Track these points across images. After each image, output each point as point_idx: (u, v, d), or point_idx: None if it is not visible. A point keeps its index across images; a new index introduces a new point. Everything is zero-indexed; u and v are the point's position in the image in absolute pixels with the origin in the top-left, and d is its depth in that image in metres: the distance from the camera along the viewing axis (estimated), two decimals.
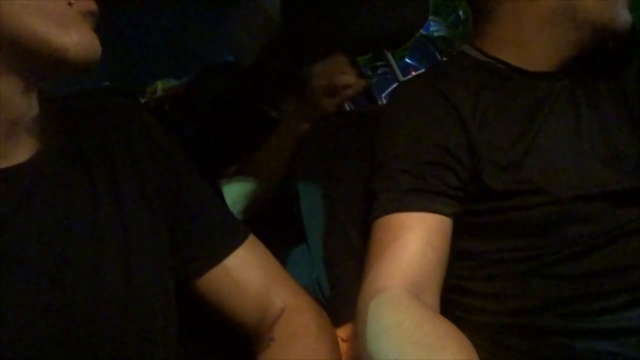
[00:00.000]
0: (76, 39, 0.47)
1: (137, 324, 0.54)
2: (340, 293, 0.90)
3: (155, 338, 0.56)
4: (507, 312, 0.72)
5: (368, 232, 0.72)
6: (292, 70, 1.31)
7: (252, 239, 0.67)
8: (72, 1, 0.47)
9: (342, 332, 0.71)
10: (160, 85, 2.19)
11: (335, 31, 1.17)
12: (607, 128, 0.75)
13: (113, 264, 0.54)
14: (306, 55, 1.23)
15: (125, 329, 0.53)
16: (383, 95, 3.00)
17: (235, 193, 1.15)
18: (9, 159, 0.51)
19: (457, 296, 0.75)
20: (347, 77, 1.10)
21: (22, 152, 0.52)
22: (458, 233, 0.72)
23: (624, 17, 0.74)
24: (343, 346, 0.69)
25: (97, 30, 0.50)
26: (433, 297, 0.67)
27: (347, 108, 1.36)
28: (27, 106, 0.51)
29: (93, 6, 0.49)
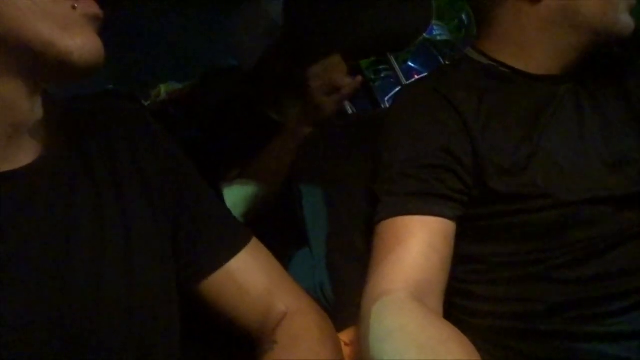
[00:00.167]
0: (80, 43, 0.47)
1: (139, 327, 0.54)
2: (342, 296, 0.90)
3: (157, 340, 0.56)
4: (510, 316, 0.72)
5: (371, 236, 0.72)
6: (295, 73, 1.31)
7: (254, 242, 0.67)
8: (76, 5, 0.47)
9: (345, 336, 0.71)
10: (163, 89, 2.19)
11: (338, 35, 1.18)
12: (611, 132, 0.75)
13: (115, 267, 0.54)
14: (309, 59, 1.23)
15: (127, 331, 0.53)
16: (386, 98, 3.00)
17: (237, 196, 1.15)
18: (12, 161, 0.51)
19: (460, 299, 0.75)
20: (343, 76, 1.11)
21: (26, 154, 0.52)
22: (461, 236, 0.72)
23: (626, 21, 0.74)
24: (346, 350, 0.68)
25: (101, 33, 0.50)
26: (436, 301, 0.66)
27: (350, 111, 1.36)
28: (31, 109, 0.51)
29: (97, 10, 0.50)
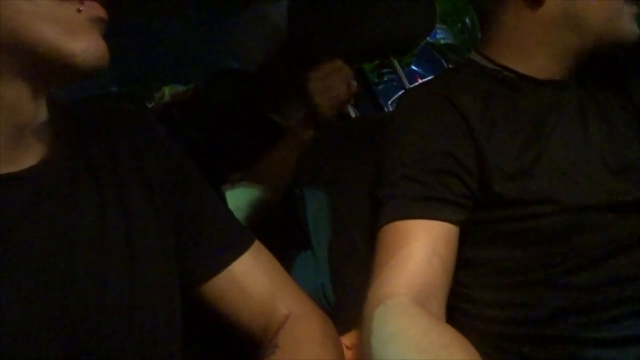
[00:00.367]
0: (84, 45, 0.47)
1: (141, 329, 0.54)
2: (345, 300, 0.90)
3: (159, 342, 0.56)
4: (514, 321, 0.72)
5: (374, 240, 0.72)
6: (298, 76, 1.32)
7: (257, 245, 0.67)
8: (81, 8, 0.48)
9: (347, 340, 0.71)
10: (167, 91, 2.20)
11: (342, 38, 1.18)
12: (616, 138, 0.75)
13: (117, 268, 0.54)
14: (312, 63, 1.24)
15: (129, 333, 0.53)
16: (389, 102, 3.01)
17: (240, 199, 1.15)
18: (17, 163, 0.51)
19: (463, 304, 0.75)
20: (342, 81, 1.11)
21: (30, 157, 0.52)
22: (465, 241, 0.72)
23: (630, 28, 0.74)
24: (348, 353, 0.68)
25: (106, 36, 0.51)
26: (439, 305, 0.66)
27: (353, 115, 1.36)
28: (35, 111, 0.51)
29: (102, 13, 0.50)
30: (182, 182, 0.63)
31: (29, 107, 0.50)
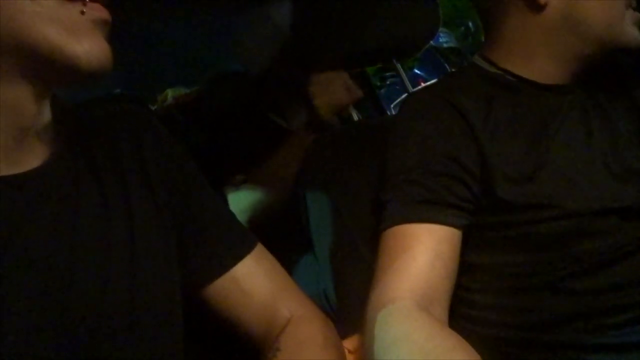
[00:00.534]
0: (88, 48, 0.47)
1: (143, 331, 0.54)
2: (347, 304, 0.89)
3: (161, 346, 0.56)
4: (517, 326, 0.72)
5: (376, 243, 0.72)
6: (301, 80, 1.32)
7: (259, 248, 0.67)
8: (84, 10, 0.48)
9: (349, 344, 0.71)
10: (170, 93, 2.20)
11: (345, 42, 1.18)
12: (619, 142, 0.75)
13: (120, 270, 0.54)
14: (315, 66, 1.24)
15: (131, 335, 0.53)
16: (392, 105, 3.01)
17: (242, 201, 1.15)
18: (20, 165, 0.51)
19: (466, 308, 0.75)
20: (339, 83, 1.13)
21: (33, 158, 0.52)
22: (468, 245, 0.71)
23: (632, 33, 0.74)
24: (350, 357, 0.68)
25: (109, 38, 0.51)
26: (442, 310, 0.66)
27: (356, 118, 1.36)
28: (38, 113, 0.51)
29: (106, 15, 0.50)
30: (184, 184, 0.63)
31: (32, 108, 0.50)
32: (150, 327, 0.55)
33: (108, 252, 0.54)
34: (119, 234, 0.55)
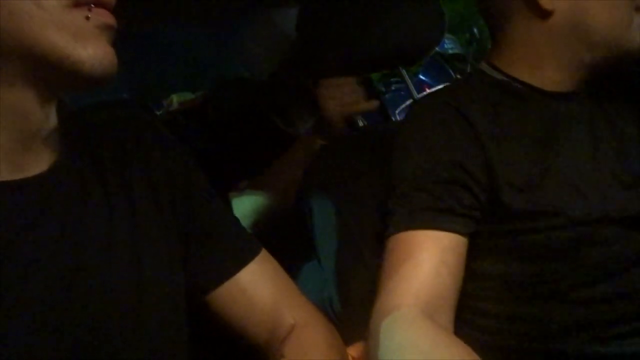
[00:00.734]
0: (92, 53, 0.47)
1: (148, 337, 0.54)
2: (351, 310, 0.89)
3: (165, 350, 0.56)
4: (522, 335, 0.71)
5: (381, 250, 0.71)
6: (306, 86, 1.32)
7: (264, 254, 0.66)
8: (89, 15, 0.48)
9: (353, 351, 0.71)
10: (175, 98, 2.21)
11: (350, 47, 1.18)
12: (626, 150, 0.74)
13: (124, 276, 0.54)
14: (320, 71, 1.24)
15: (136, 340, 0.53)
16: (397, 111, 3.00)
17: (246, 207, 1.15)
18: (25, 170, 0.51)
19: (471, 316, 0.74)
20: (349, 89, 1.12)
21: (39, 163, 0.52)
22: (473, 253, 0.71)
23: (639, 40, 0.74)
24: None
25: (115, 44, 0.51)
26: (447, 317, 0.66)
27: (361, 124, 1.36)
28: (44, 118, 0.51)
29: (111, 20, 0.50)
30: (188, 190, 0.63)
31: (37, 113, 0.50)
32: (154, 332, 0.55)
33: (113, 257, 0.54)
34: (123, 239, 0.55)
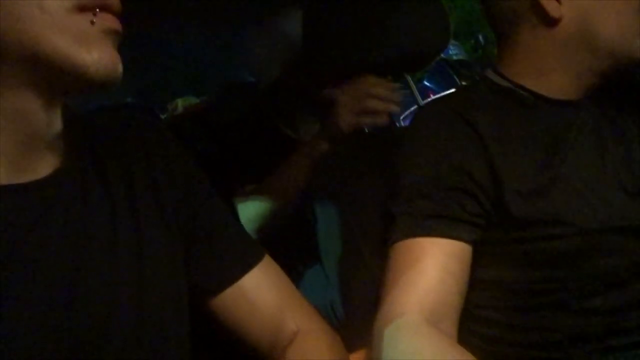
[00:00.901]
0: (96, 57, 0.47)
1: (149, 340, 0.54)
2: (354, 317, 0.89)
3: (167, 354, 0.56)
4: (527, 345, 0.71)
5: (385, 256, 0.71)
6: (312, 91, 1.32)
7: (267, 260, 0.66)
8: (94, 19, 0.48)
9: (356, 357, 0.70)
10: (180, 103, 2.21)
11: (355, 53, 1.18)
12: (633, 160, 0.74)
13: (127, 281, 0.54)
14: (326, 77, 1.24)
15: (138, 344, 0.53)
16: (401, 117, 3.00)
17: (251, 211, 1.15)
18: (29, 173, 0.51)
19: (475, 325, 0.74)
20: (377, 103, 1.07)
21: (43, 167, 0.52)
22: (478, 261, 0.71)
23: None
24: None
25: (120, 48, 0.51)
26: (451, 325, 0.65)
27: (366, 130, 1.36)
28: (48, 122, 0.51)
29: (115, 25, 0.50)
30: (192, 195, 0.63)
31: (42, 117, 0.50)
32: (157, 337, 0.55)
33: (115, 261, 0.54)
34: (127, 244, 0.55)
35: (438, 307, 0.64)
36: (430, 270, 0.66)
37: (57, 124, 0.53)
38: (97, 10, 0.48)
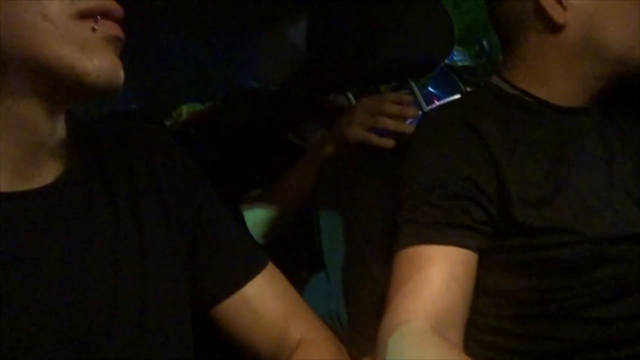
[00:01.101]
0: (98, 64, 0.47)
1: (152, 349, 0.54)
2: (358, 325, 0.88)
3: None
4: (533, 354, 0.70)
5: (390, 264, 0.71)
6: (316, 98, 1.32)
7: (270, 267, 0.66)
8: (96, 27, 0.48)
9: None
10: (185, 109, 2.21)
11: (359, 59, 1.18)
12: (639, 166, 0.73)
13: (130, 288, 0.54)
14: (330, 83, 1.24)
15: (140, 353, 0.53)
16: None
17: (257, 217, 1.15)
18: (32, 181, 0.51)
19: (480, 333, 0.73)
20: (388, 122, 1.05)
21: (46, 174, 0.52)
22: (484, 269, 0.70)
23: None
24: None
25: (125, 55, 0.51)
26: (457, 334, 0.65)
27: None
28: (51, 129, 0.51)
29: (118, 32, 0.50)
30: (196, 202, 0.62)
31: (45, 125, 0.50)
32: (159, 345, 0.55)
33: (118, 268, 0.54)
34: (129, 251, 0.55)
35: (443, 315, 0.63)
36: (436, 277, 0.65)
37: (61, 132, 0.53)
38: (99, 17, 0.48)
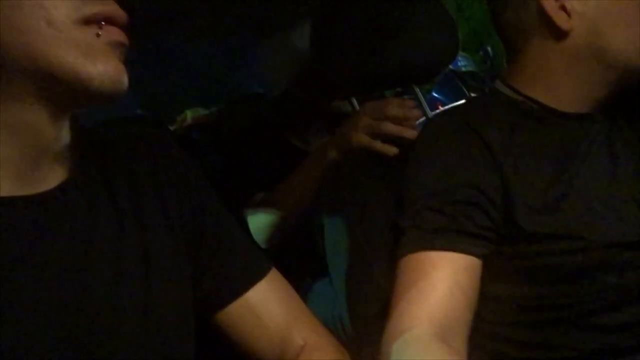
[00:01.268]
0: (102, 70, 0.47)
1: (155, 355, 0.54)
2: (362, 331, 0.88)
3: None
4: None
5: (394, 270, 0.70)
6: (320, 103, 1.32)
7: (274, 273, 0.66)
8: (100, 32, 0.48)
9: None
10: (189, 114, 2.22)
11: (364, 65, 1.18)
12: None
13: (133, 293, 0.54)
14: (334, 89, 1.24)
15: (143, 357, 0.53)
16: None
17: (261, 222, 1.15)
18: (36, 185, 0.51)
19: (485, 341, 0.73)
20: (393, 128, 1.04)
21: (50, 179, 0.52)
22: (488, 275, 0.70)
23: None
24: None
25: (129, 60, 0.51)
26: (460, 340, 0.64)
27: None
28: (56, 134, 0.51)
29: (121, 37, 0.50)
30: (199, 207, 0.63)
31: (49, 130, 0.50)
32: (162, 350, 0.55)
33: (121, 273, 0.54)
34: (133, 257, 0.55)
35: (447, 322, 0.63)
36: (440, 284, 0.65)
37: (65, 137, 0.53)
38: (103, 23, 0.48)
